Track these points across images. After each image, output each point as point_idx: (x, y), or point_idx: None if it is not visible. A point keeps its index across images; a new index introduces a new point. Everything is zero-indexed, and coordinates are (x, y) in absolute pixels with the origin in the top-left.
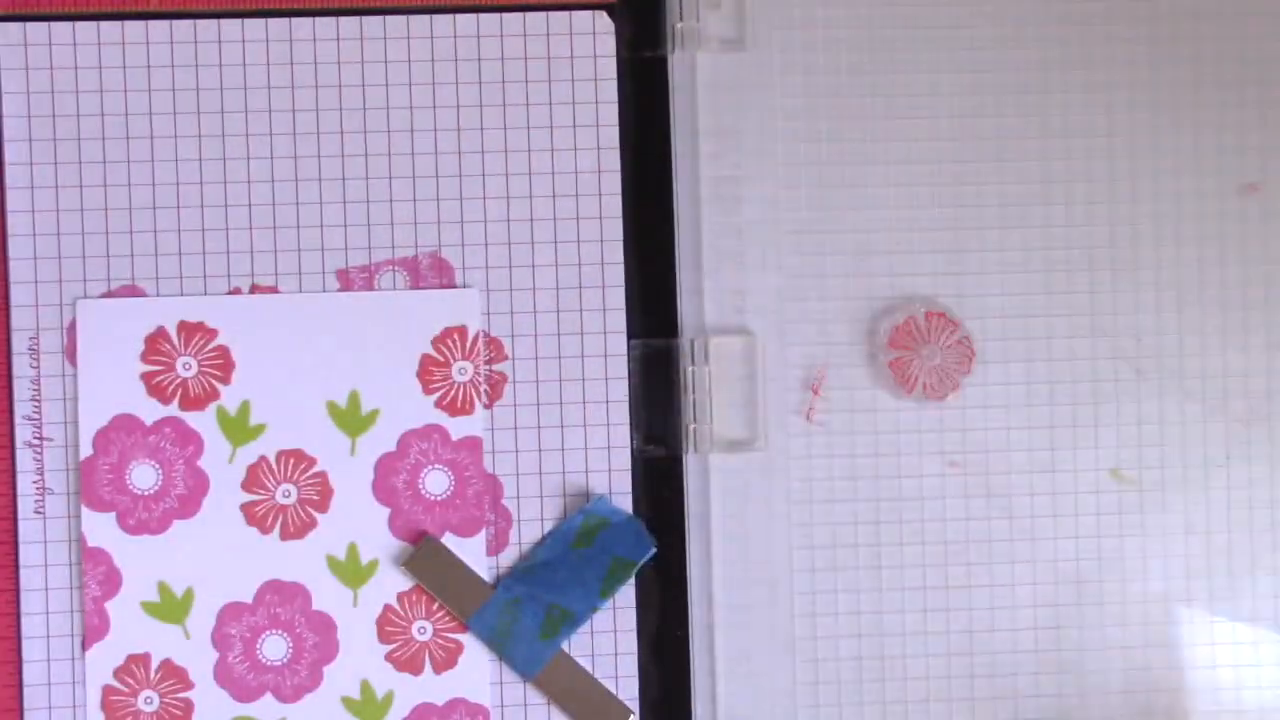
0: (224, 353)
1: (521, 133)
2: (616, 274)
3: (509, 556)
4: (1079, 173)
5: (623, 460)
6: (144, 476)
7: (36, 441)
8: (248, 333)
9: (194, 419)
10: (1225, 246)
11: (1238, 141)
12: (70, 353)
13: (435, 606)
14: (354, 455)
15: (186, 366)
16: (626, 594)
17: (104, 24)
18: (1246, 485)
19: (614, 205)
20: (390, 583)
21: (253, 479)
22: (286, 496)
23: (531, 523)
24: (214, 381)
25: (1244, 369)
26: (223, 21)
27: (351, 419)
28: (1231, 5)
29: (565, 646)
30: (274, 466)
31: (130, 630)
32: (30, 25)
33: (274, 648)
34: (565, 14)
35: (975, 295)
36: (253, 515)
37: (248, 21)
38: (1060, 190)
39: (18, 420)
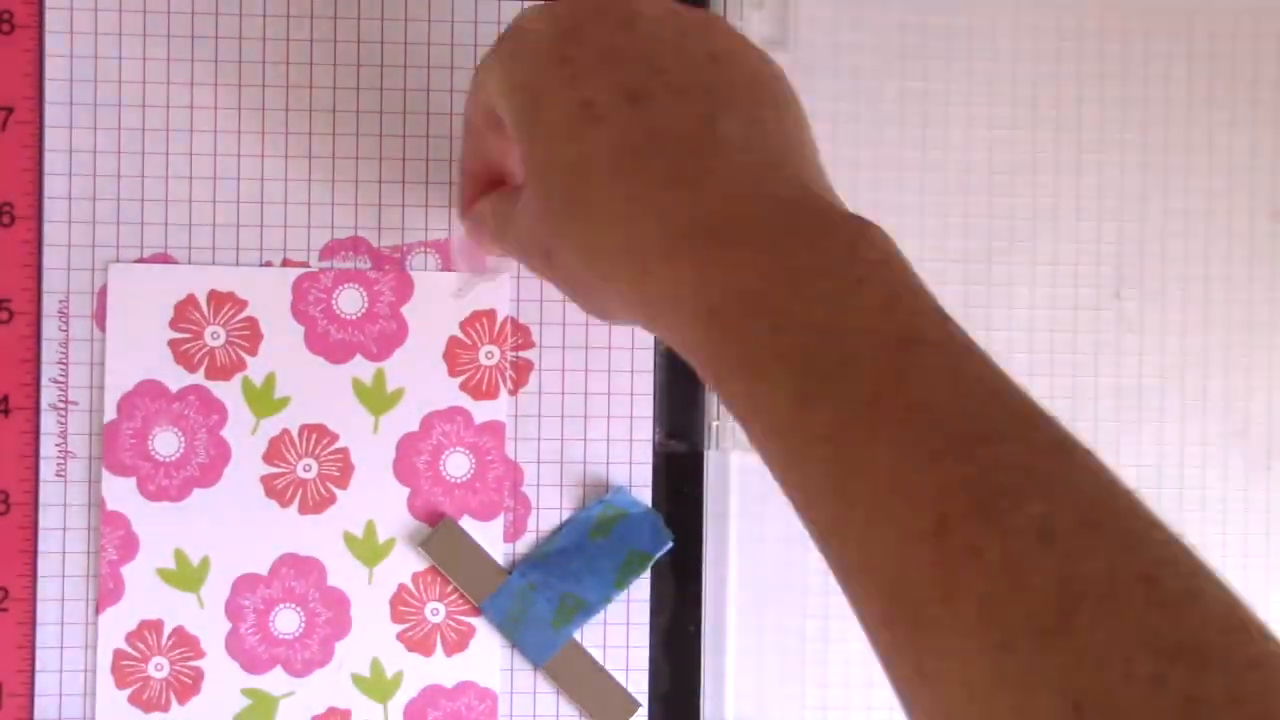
0: (253, 324)
1: None
2: None
3: (526, 543)
4: (1110, 189)
5: (644, 453)
6: (166, 443)
7: (61, 405)
8: (277, 305)
9: (219, 388)
10: (1254, 269)
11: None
12: (99, 318)
13: (449, 589)
14: (376, 433)
15: (215, 335)
16: (641, 587)
17: None
18: (1264, 511)
19: None
20: (406, 562)
21: (274, 451)
22: (307, 471)
23: (550, 511)
24: (241, 352)
25: (1268, 395)
26: None
27: (376, 397)
28: (1270, 27)
29: (577, 636)
30: (296, 440)
31: (144, 596)
32: None
33: (286, 621)
34: None
35: (1003, 307)
36: (272, 488)
37: None
38: (1091, 206)
39: (44, 383)
